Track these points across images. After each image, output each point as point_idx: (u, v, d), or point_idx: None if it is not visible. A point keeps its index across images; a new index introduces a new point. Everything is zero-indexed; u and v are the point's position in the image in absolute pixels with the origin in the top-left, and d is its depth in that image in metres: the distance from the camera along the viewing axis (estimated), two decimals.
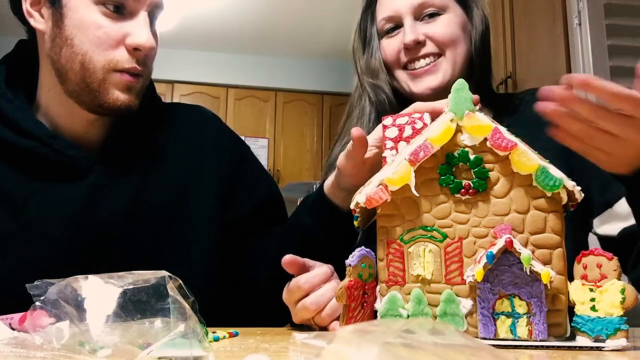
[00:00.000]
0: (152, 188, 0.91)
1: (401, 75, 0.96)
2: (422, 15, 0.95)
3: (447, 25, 0.95)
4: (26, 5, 0.86)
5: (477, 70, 0.97)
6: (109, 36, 0.83)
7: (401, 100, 0.98)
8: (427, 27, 0.94)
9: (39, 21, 0.86)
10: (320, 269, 0.73)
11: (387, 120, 0.69)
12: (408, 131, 0.67)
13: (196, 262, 0.91)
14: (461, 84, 0.62)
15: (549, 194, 0.58)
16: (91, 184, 0.87)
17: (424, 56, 0.94)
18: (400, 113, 0.72)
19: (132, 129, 0.92)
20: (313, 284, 0.72)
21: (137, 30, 0.84)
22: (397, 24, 0.96)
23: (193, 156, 0.97)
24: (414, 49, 0.94)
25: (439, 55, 0.94)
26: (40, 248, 0.84)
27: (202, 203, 0.95)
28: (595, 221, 0.92)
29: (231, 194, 0.98)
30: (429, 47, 0.93)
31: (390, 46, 0.97)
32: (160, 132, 0.96)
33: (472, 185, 0.60)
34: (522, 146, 0.59)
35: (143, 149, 0.93)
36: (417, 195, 0.61)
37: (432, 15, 0.95)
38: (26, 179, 0.86)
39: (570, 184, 0.58)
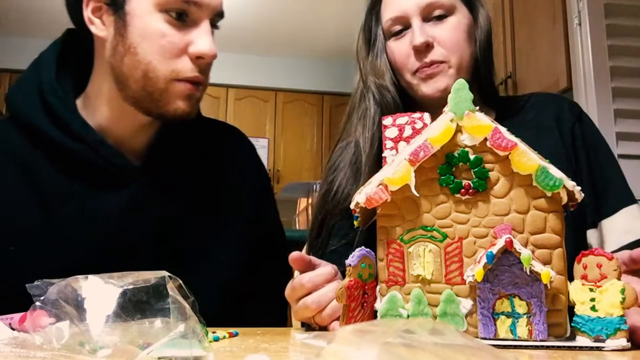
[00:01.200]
0: (187, 205, 0.91)
1: (410, 78, 0.95)
2: (430, 16, 0.94)
3: (455, 28, 0.94)
4: (87, 13, 0.85)
5: (482, 70, 0.97)
6: (173, 45, 0.82)
7: (407, 101, 0.97)
8: (435, 30, 0.93)
9: (100, 28, 0.85)
10: (324, 269, 0.73)
11: (387, 120, 0.69)
12: (408, 131, 0.67)
13: (221, 281, 0.92)
14: (461, 84, 0.62)
15: (549, 194, 0.58)
16: (131, 194, 0.87)
17: (432, 63, 0.93)
18: None
19: (176, 140, 0.92)
20: (316, 283, 0.72)
21: (200, 38, 0.83)
22: (404, 25, 0.95)
23: (227, 178, 0.98)
24: (423, 51, 0.93)
25: (444, 62, 0.93)
26: (68, 251, 0.83)
27: (231, 224, 0.96)
28: (589, 232, 0.93)
29: (256, 221, 0.99)
30: (437, 52, 0.92)
31: (399, 49, 0.96)
32: (199, 147, 0.96)
33: (472, 185, 0.60)
34: (522, 146, 0.59)
35: (182, 163, 0.93)
36: (417, 195, 0.61)
37: (440, 17, 0.94)
38: (66, 179, 0.85)
39: (570, 184, 0.58)
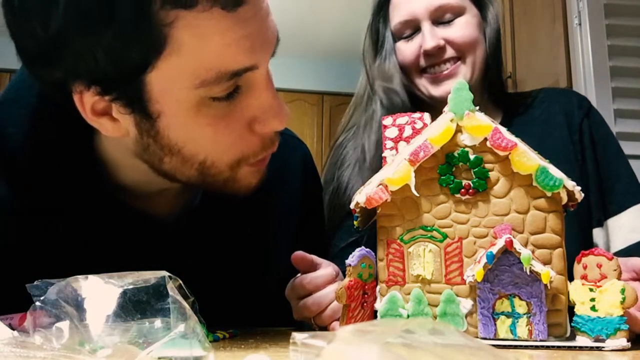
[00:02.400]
0: (236, 232, 0.81)
1: (420, 79, 0.95)
2: (439, 19, 0.94)
3: (465, 28, 0.94)
4: (86, 113, 0.60)
5: (492, 69, 0.97)
6: (233, 131, 0.61)
7: (416, 103, 0.97)
8: (446, 31, 0.93)
9: (112, 128, 0.61)
10: (326, 270, 0.74)
11: (387, 120, 0.69)
12: (408, 131, 0.67)
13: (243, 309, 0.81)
14: (461, 84, 0.62)
15: (549, 194, 0.58)
16: (166, 243, 0.73)
17: (445, 61, 0.93)
18: None
19: (220, 200, 0.73)
20: (317, 285, 0.72)
21: (265, 113, 0.62)
22: (414, 29, 0.95)
23: (278, 196, 0.85)
24: (435, 54, 0.92)
25: (458, 59, 0.93)
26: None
27: (283, 246, 0.83)
28: (596, 231, 0.93)
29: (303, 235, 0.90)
30: (449, 52, 0.92)
31: (408, 50, 0.96)
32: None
33: (472, 185, 0.60)
34: (522, 146, 0.59)
35: (228, 209, 0.77)
36: (417, 195, 0.61)
37: (450, 20, 0.94)
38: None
39: (570, 184, 0.58)
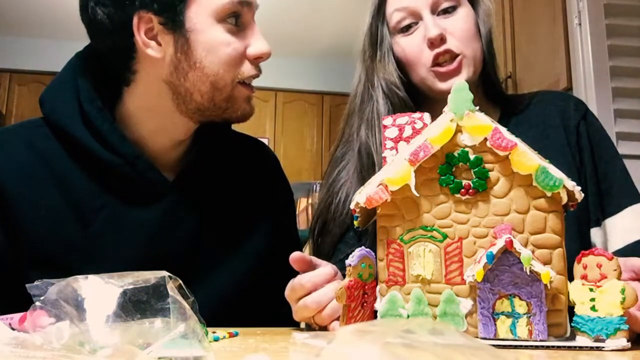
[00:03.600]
0: (214, 219, 0.93)
1: (425, 73, 0.93)
2: (438, 8, 0.93)
3: (465, 20, 0.93)
4: (141, 37, 0.82)
5: (488, 65, 0.97)
6: (237, 51, 0.84)
7: (417, 100, 0.96)
8: (447, 22, 0.92)
9: (157, 50, 0.83)
10: (324, 269, 0.73)
11: (387, 120, 0.69)
12: (408, 131, 0.67)
13: (236, 289, 0.93)
14: (461, 84, 0.62)
15: (549, 194, 0.58)
16: (164, 208, 0.88)
17: (445, 52, 0.92)
18: None
19: (208, 155, 0.94)
20: (315, 283, 0.72)
21: (255, 40, 0.87)
22: (413, 19, 0.94)
23: (252, 192, 1.00)
24: (437, 44, 0.91)
25: (458, 54, 0.92)
26: (104, 264, 0.82)
27: (253, 236, 0.97)
28: (593, 231, 0.93)
29: (277, 235, 1.01)
30: (451, 43, 0.91)
31: (410, 44, 0.94)
32: (228, 163, 0.98)
33: (472, 185, 0.60)
34: (522, 146, 0.59)
35: (213, 178, 0.95)
36: (417, 195, 0.61)
37: (449, 9, 0.93)
38: (100, 191, 0.85)
39: (570, 184, 0.58)
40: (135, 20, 0.81)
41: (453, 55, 0.91)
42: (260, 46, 0.86)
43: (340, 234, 0.97)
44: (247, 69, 0.86)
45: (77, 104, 0.85)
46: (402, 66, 0.97)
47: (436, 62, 0.92)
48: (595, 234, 0.92)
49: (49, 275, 0.78)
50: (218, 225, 0.93)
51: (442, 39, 0.91)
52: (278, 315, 0.95)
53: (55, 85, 0.90)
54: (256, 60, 0.87)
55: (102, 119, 0.85)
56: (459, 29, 0.92)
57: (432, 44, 0.91)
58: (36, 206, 0.83)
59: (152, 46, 0.83)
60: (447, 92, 0.90)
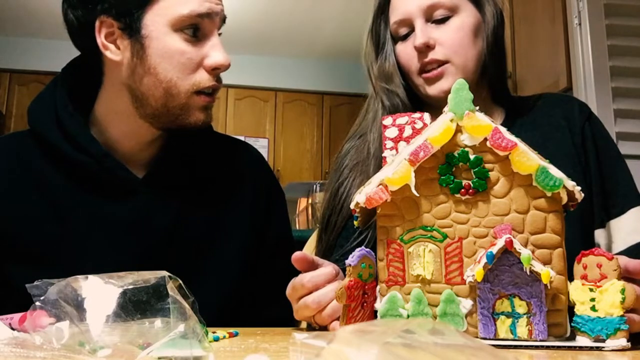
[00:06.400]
0: (191, 215, 0.94)
1: (417, 79, 0.96)
2: (432, 17, 0.94)
3: (458, 29, 0.94)
4: (101, 39, 0.87)
5: (490, 68, 0.97)
6: (192, 61, 0.86)
7: (416, 103, 0.98)
8: (437, 32, 0.94)
9: (115, 53, 0.87)
10: (326, 269, 0.74)
11: (387, 120, 0.69)
12: (408, 131, 0.67)
13: (225, 290, 0.94)
14: (461, 84, 0.62)
15: (549, 194, 0.58)
16: (136, 205, 0.91)
17: (433, 61, 0.93)
18: None
19: (181, 154, 0.95)
20: (316, 283, 0.72)
21: (213, 51, 0.88)
22: (410, 28, 0.96)
23: (232, 189, 1.00)
24: (424, 51, 0.93)
25: (445, 62, 0.94)
26: (80, 259, 0.86)
27: (235, 235, 0.98)
28: (598, 232, 0.93)
29: (261, 234, 1.01)
30: (438, 52, 0.93)
31: (404, 51, 0.97)
32: (205, 161, 0.99)
33: (472, 185, 0.60)
34: (522, 146, 0.59)
35: (187, 176, 0.96)
36: (417, 195, 0.61)
37: (443, 19, 0.94)
38: (75, 189, 0.90)
39: (570, 184, 0.58)
40: (97, 23, 0.86)
41: (440, 63, 0.94)
42: (216, 57, 0.87)
43: (342, 226, 0.98)
44: (203, 78, 0.87)
45: (54, 111, 0.91)
46: (403, 71, 0.99)
47: (424, 69, 0.95)
48: (599, 235, 0.93)
49: (29, 269, 0.85)
50: (194, 221, 0.94)
51: (428, 47, 0.92)
52: (261, 316, 0.96)
53: (39, 96, 0.96)
54: (214, 71, 0.88)
55: (73, 123, 0.90)
56: (449, 38, 0.93)
57: (419, 51, 0.94)
58: (16, 207, 0.89)
59: (111, 49, 0.87)
60: (435, 97, 0.94)
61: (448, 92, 0.91)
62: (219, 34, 0.91)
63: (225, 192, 0.99)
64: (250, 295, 0.99)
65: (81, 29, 0.88)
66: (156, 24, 0.85)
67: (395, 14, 0.98)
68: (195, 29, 0.86)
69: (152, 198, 0.92)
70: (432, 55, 0.93)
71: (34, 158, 0.92)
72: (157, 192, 0.92)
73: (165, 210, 0.92)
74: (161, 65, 0.85)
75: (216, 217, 0.97)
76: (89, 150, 0.89)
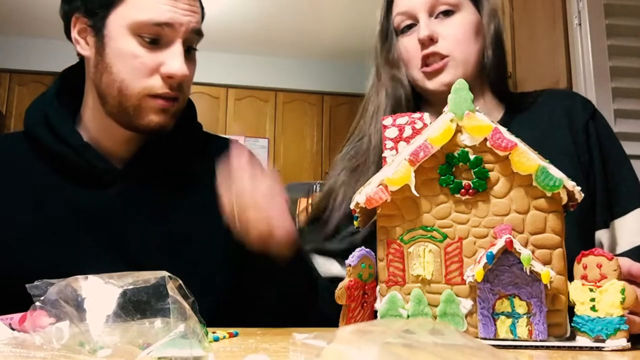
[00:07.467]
0: (170, 209, 0.96)
1: (417, 73, 0.97)
2: (436, 12, 0.96)
3: (460, 25, 0.95)
4: (74, 34, 0.94)
5: (490, 66, 0.98)
6: (145, 65, 0.88)
7: (418, 97, 1.00)
8: (440, 26, 0.95)
9: (85, 48, 0.93)
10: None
11: (387, 120, 0.69)
12: (408, 131, 0.67)
13: (208, 286, 0.93)
14: (461, 84, 0.62)
15: (549, 194, 0.58)
16: (112, 195, 0.93)
17: (433, 54, 0.94)
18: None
19: (162, 151, 0.97)
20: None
21: (171, 59, 0.89)
22: (412, 21, 0.97)
23: (211, 183, 0.99)
24: (427, 44, 0.94)
25: (447, 56, 0.94)
26: (53, 245, 0.89)
27: (218, 231, 0.96)
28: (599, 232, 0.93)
29: None
30: (440, 45, 0.94)
31: (407, 45, 0.98)
32: (188, 158, 1.01)
33: (472, 185, 0.60)
34: (522, 146, 0.59)
35: (167, 172, 0.98)
36: (417, 195, 0.61)
37: (447, 13, 0.96)
38: (57, 181, 0.93)
39: (570, 184, 0.58)
40: (73, 19, 0.93)
41: (442, 57, 0.95)
42: (171, 66, 0.89)
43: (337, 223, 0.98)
44: (156, 84, 0.89)
45: (43, 110, 0.96)
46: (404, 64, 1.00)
47: (425, 63, 0.96)
48: (602, 235, 0.92)
49: (4, 255, 0.88)
50: (172, 214, 0.96)
51: (432, 40, 0.93)
52: (246, 315, 0.96)
53: (34, 100, 1.01)
54: (169, 79, 0.89)
55: (58, 117, 0.95)
56: (452, 33, 0.95)
57: (422, 44, 0.95)
58: None
59: (81, 44, 0.94)
60: (434, 91, 0.95)
61: (448, 85, 0.92)
62: (194, 49, 0.94)
63: (203, 186, 0.99)
64: (236, 285, 0.98)
65: (66, 24, 0.95)
66: (116, 26, 0.89)
67: (399, 7, 0.99)
68: (156, 35, 0.88)
69: (128, 189, 0.94)
70: (434, 49, 0.94)
71: (22, 155, 0.95)
72: (134, 184, 0.94)
73: (141, 202, 0.94)
74: (116, 65, 0.89)
75: (193, 209, 0.98)
76: (69, 141, 0.92)
